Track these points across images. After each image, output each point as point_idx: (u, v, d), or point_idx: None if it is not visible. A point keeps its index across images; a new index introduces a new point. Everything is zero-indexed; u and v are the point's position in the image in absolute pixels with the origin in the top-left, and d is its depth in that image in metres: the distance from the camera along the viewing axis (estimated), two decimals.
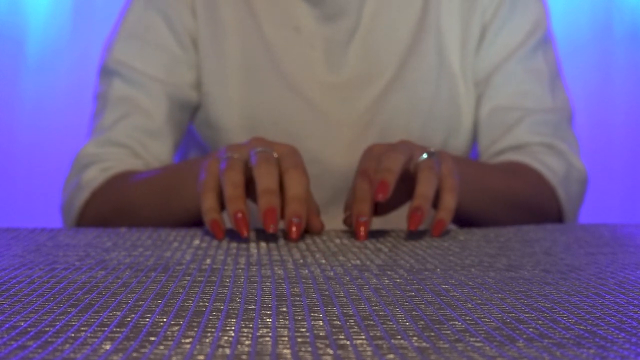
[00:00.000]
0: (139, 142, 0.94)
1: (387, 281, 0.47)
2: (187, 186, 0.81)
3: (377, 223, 1.00)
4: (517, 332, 0.35)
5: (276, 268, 0.52)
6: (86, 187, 0.90)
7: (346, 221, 0.74)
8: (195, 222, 0.83)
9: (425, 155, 0.74)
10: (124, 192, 0.88)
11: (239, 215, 0.66)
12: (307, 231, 0.73)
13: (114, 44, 0.99)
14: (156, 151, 0.95)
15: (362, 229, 0.69)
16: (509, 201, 0.87)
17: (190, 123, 1.02)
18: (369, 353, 0.31)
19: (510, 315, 0.38)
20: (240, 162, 0.71)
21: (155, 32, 0.98)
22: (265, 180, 0.68)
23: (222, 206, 0.73)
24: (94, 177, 0.91)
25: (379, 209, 0.77)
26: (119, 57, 0.97)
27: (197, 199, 0.79)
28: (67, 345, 0.32)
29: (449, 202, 0.72)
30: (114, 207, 0.88)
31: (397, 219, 1.00)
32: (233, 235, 0.70)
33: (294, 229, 0.66)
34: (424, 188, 0.70)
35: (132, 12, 1.00)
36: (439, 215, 0.72)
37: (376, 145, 0.77)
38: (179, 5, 0.98)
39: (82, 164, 0.93)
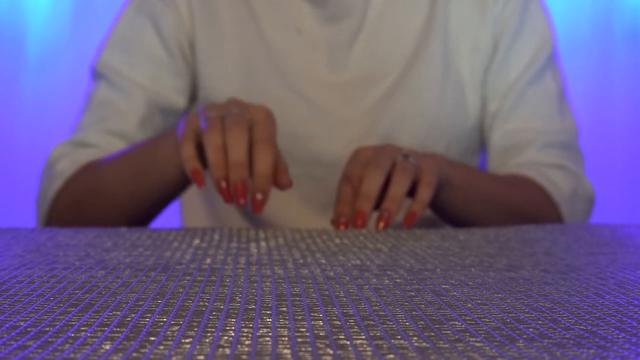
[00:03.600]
0: (109, 143, 0.95)
1: (387, 281, 0.47)
2: (161, 151, 0.83)
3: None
4: (517, 332, 0.35)
5: (276, 268, 0.52)
6: (59, 177, 0.91)
7: (333, 222, 0.79)
8: (172, 194, 0.84)
9: (401, 158, 0.80)
10: (96, 172, 0.89)
11: (223, 184, 0.72)
12: (276, 185, 0.77)
13: (104, 48, 1.00)
14: None
15: (342, 227, 0.76)
16: (503, 208, 0.89)
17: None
18: (369, 353, 0.31)
19: (510, 315, 0.38)
20: (220, 122, 0.75)
21: (144, 39, 0.99)
22: (235, 150, 0.72)
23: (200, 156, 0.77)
24: (67, 167, 0.92)
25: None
26: (107, 61, 0.98)
27: (173, 160, 0.81)
28: (67, 345, 0.32)
29: (424, 195, 0.78)
30: (87, 188, 0.89)
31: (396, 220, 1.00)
32: (233, 235, 0.70)
33: (257, 203, 0.72)
34: (394, 190, 0.77)
35: (124, 17, 1.01)
36: (412, 207, 0.78)
37: (362, 149, 0.82)
38: (170, 11, 0.98)
39: (53, 159, 0.94)
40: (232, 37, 0.98)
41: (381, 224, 0.75)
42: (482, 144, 1.03)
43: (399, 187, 0.77)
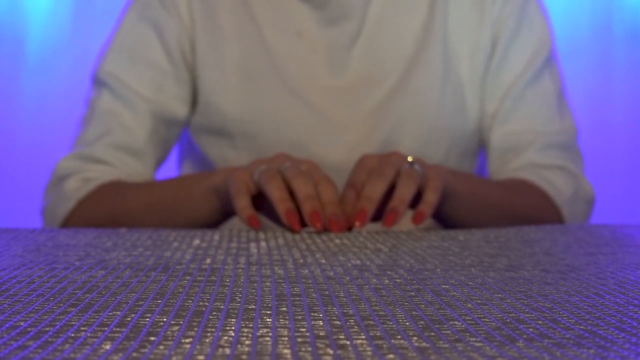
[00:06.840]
0: (120, 160, 0.95)
1: (387, 281, 0.47)
2: (193, 197, 0.84)
3: (376, 225, 1.00)
4: (517, 332, 0.35)
5: (276, 268, 0.52)
6: (71, 197, 0.91)
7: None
8: (203, 227, 0.85)
9: (406, 165, 0.80)
10: (120, 200, 0.89)
11: (292, 211, 0.75)
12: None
13: (106, 54, 0.99)
14: (136, 169, 0.96)
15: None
16: (508, 215, 0.89)
17: (186, 129, 1.02)
18: (369, 353, 0.31)
19: (510, 315, 0.38)
20: (279, 172, 0.78)
21: (146, 46, 0.98)
22: (305, 188, 0.76)
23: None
24: (78, 187, 0.91)
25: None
26: (110, 69, 0.98)
27: (203, 210, 0.84)
28: (67, 345, 0.32)
29: (431, 197, 0.78)
30: (108, 215, 0.89)
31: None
32: (233, 235, 0.70)
33: (334, 224, 0.75)
34: (401, 191, 0.77)
35: (126, 23, 1.00)
36: (420, 207, 0.77)
37: (367, 157, 0.82)
38: (172, 17, 0.98)
39: (61, 174, 0.94)
40: (232, 41, 0.98)
41: (388, 222, 0.75)
42: (481, 145, 1.03)
43: (405, 189, 0.77)
